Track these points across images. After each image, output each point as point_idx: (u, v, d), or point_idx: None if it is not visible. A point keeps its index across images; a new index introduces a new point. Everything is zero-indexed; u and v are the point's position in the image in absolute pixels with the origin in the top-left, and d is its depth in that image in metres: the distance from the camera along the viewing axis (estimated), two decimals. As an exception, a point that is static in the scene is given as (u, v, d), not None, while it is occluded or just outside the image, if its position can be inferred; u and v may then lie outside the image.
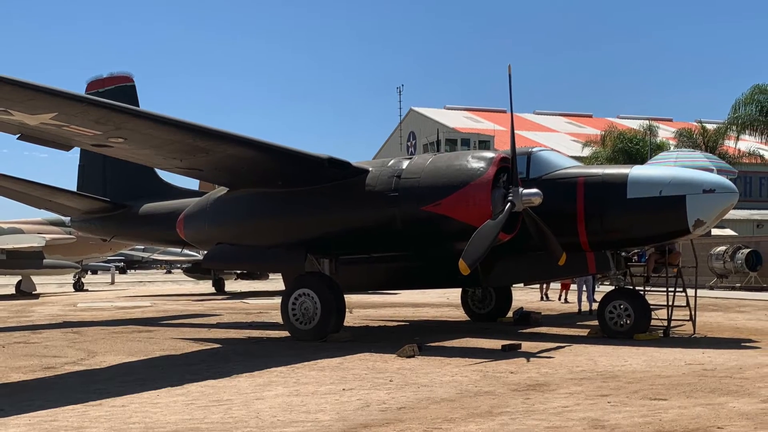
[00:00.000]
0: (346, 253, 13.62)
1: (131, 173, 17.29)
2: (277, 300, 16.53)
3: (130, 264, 65.23)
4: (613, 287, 13.54)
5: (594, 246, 12.45)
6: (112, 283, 42.42)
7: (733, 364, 9.69)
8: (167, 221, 15.81)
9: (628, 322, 12.53)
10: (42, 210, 19.94)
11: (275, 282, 33.11)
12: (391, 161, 12.99)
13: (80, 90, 16.82)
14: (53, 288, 35.51)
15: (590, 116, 67.33)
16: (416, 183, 12.16)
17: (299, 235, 13.22)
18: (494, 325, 15.44)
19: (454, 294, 19.35)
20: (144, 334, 14.39)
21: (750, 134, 40.18)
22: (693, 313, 13.56)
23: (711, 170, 13.72)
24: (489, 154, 12.24)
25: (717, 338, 12.85)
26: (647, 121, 46.37)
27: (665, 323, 13.25)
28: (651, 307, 12.98)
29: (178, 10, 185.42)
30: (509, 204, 11.49)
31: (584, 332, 13.48)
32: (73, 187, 18.73)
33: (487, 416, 6.73)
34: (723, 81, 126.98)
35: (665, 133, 48.79)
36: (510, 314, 16.34)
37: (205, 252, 15.52)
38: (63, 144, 12.10)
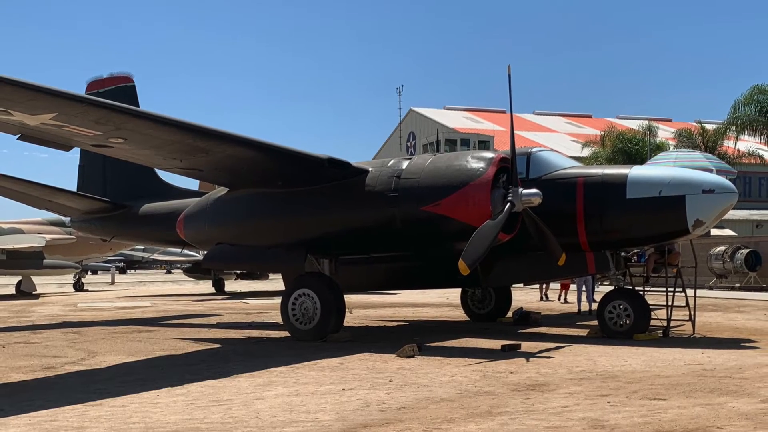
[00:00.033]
0: (346, 253, 13.63)
1: (131, 173, 17.30)
2: (277, 300, 16.54)
3: (130, 264, 65.25)
4: (612, 287, 13.55)
5: (593, 246, 12.47)
6: (112, 283, 42.43)
7: (732, 364, 9.70)
8: (167, 221, 15.82)
9: (628, 322, 12.54)
10: (42, 210, 19.96)
11: (275, 282, 33.12)
12: (391, 161, 13.00)
13: (80, 90, 16.82)
14: (53, 288, 35.51)
15: (590, 116, 67.35)
16: (416, 183, 12.17)
17: (299, 235, 13.22)
18: (494, 325, 15.45)
19: (454, 294, 19.37)
20: (144, 334, 14.40)
21: (749, 134, 40.19)
22: (692, 313, 13.57)
23: (710, 170, 13.71)
24: (488, 155, 12.25)
25: (716, 338, 12.86)
26: (647, 122, 46.38)
27: (665, 323, 13.26)
28: (650, 307, 12.99)
29: (178, 10, 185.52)
30: (509, 204, 11.50)
31: (584, 332, 13.49)
32: (73, 188, 18.74)
33: (486, 416, 6.74)
34: (722, 81, 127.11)
35: (665, 133, 48.80)
36: (510, 314, 16.35)
37: (205, 252, 15.52)
38: (63, 144, 12.11)
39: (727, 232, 38.08)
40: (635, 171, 12.39)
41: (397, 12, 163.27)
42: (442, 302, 22.38)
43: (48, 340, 13.45)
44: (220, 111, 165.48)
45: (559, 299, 23.15)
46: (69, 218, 20.46)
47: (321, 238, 13.11)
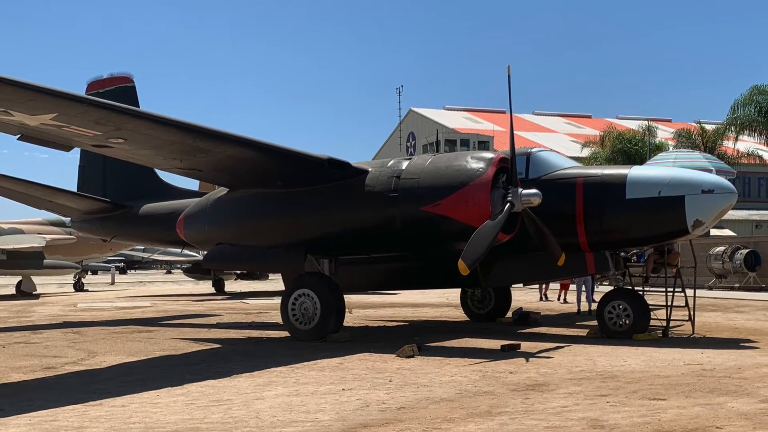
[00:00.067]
0: (346, 253, 13.63)
1: (131, 174, 17.31)
2: (277, 300, 16.55)
3: (130, 264, 65.30)
4: (612, 287, 13.56)
5: (593, 246, 12.48)
6: (112, 283, 42.44)
7: (731, 364, 9.71)
8: (167, 222, 15.83)
9: (627, 322, 12.55)
10: (42, 210, 19.97)
11: (275, 282, 33.14)
12: (391, 162, 13.01)
13: (80, 91, 16.83)
14: (53, 288, 35.52)
15: (589, 117, 67.38)
16: (416, 183, 12.17)
17: (299, 235, 13.23)
18: (493, 325, 15.46)
19: (454, 294, 19.38)
20: (144, 334, 14.40)
21: (749, 135, 40.25)
22: (692, 313, 13.57)
23: (710, 171, 13.73)
24: (488, 155, 12.25)
25: (716, 338, 12.87)
26: (646, 122, 46.44)
27: (664, 323, 13.27)
28: (650, 307, 13.00)
29: (178, 11, 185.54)
30: (508, 204, 11.51)
31: (583, 332, 13.50)
32: (74, 188, 18.75)
33: (486, 416, 6.75)
34: (722, 82, 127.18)
35: (664, 133, 48.83)
36: (509, 314, 16.35)
37: (205, 252, 15.53)
38: (63, 144, 12.11)
39: (727, 232, 38.09)
40: (635, 171, 12.40)
41: (397, 12, 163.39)
42: (441, 302, 22.39)
43: (48, 340, 13.46)
44: (220, 111, 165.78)
45: (558, 299, 23.16)
46: (69, 218, 20.47)
47: (321, 239, 13.12)
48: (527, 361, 10.06)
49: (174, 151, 12.36)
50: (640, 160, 35.25)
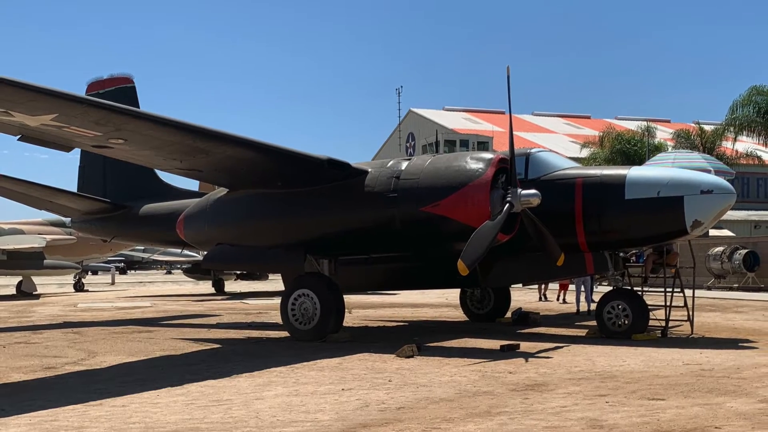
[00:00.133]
0: (346, 253, 13.65)
1: (131, 174, 17.32)
2: (277, 300, 16.56)
3: (131, 264, 65.31)
4: (611, 288, 13.58)
5: (592, 247, 12.49)
6: (113, 283, 42.44)
7: (730, 364, 9.72)
8: (167, 222, 15.84)
9: (626, 322, 12.56)
10: (42, 211, 19.98)
11: (275, 282, 33.14)
12: (390, 162, 13.02)
13: (80, 91, 16.84)
14: (54, 288, 35.53)
15: (588, 117, 67.41)
16: (415, 184, 12.19)
17: (299, 235, 13.25)
18: (493, 325, 15.47)
19: (453, 294, 19.39)
20: (144, 335, 14.42)
21: (747, 135, 40.31)
22: (691, 313, 13.59)
23: (708, 171, 13.78)
24: (487, 155, 12.27)
25: (715, 338, 12.89)
26: (645, 123, 46.50)
27: (663, 323, 13.29)
28: (649, 307, 13.02)
29: (178, 12, 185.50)
30: (508, 205, 11.52)
31: (582, 332, 13.51)
32: (74, 188, 18.77)
33: (485, 416, 6.77)
34: (721, 82, 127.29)
35: (663, 134, 48.86)
36: (508, 314, 16.36)
37: (205, 252, 15.54)
38: (63, 145, 12.13)
39: (726, 232, 38.11)
40: (634, 172, 12.42)
41: (397, 13, 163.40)
42: (441, 302, 22.41)
43: (48, 341, 13.48)
44: (220, 112, 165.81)
45: (557, 299, 23.18)
46: (69, 219, 20.48)
47: (320, 239, 13.14)
48: (526, 361, 10.08)
49: (174, 152, 12.38)
50: (639, 160, 35.28)
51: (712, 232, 31.90)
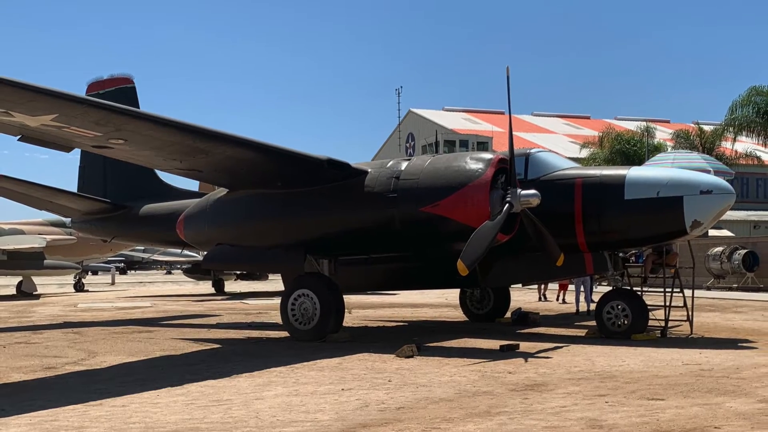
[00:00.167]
0: (345, 253, 13.66)
1: (131, 174, 17.34)
2: (277, 300, 16.57)
3: (131, 265, 65.33)
4: (610, 288, 13.59)
5: (592, 247, 12.50)
6: (113, 283, 42.44)
7: (730, 364, 9.74)
8: (167, 222, 15.85)
9: (626, 322, 12.57)
10: (43, 211, 19.99)
11: (275, 282, 33.15)
12: (390, 162, 13.03)
13: (81, 92, 16.85)
14: (54, 288, 35.53)
15: (588, 118, 67.44)
16: (415, 184, 12.20)
17: (298, 236, 13.26)
18: (492, 325, 15.48)
19: (453, 294, 19.40)
20: (144, 335, 14.43)
21: (747, 135, 40.33)
22: (690, 313, 13.61)
23: (708, 171, 13.79)
24: (487, 156, 12.28)
25: (714, 338, 12.90)
26: (644, 123, 46.53)
27: (663, 323, 13.30)
28: (648, 307, 13.03)
29: (178, 12, 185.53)
30: (507, 205, 11.53)
31: (582, 332, 13.52)
32: (74, 189, 18.78)
33: (485, 416, 6.78)
34: (720, 83, 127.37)
35: (662, 134, 48.90)
36: (508, 314, 16.37)
37: (205, 253, 15.56)
38: (63, 145, 12.13)
39: (725, 232, 38.15)
40: (633, 172, 12.44)
41: (396, 14, 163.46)
42: (440, 302, 22.42)
43: (49, 341, 13.49)
44: (220, 112, 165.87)
45: (557, 300, 23.19)
46: (69, 219, 20.50)
47: (320, 239, 13.15)
48: (526, 361, 10.09)
49: (174, 152, 12.39)
50: (639, 160, 35.29)
51: (712, 233, 31.93)
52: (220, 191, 14.57)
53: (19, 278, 29.99)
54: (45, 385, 8.85)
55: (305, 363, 10.09)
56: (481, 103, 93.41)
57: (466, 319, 16.64)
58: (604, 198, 12.18)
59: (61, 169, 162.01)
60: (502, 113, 55.77)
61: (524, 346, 11.39)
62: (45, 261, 29.21)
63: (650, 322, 12.95)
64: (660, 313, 13.55)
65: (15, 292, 29.57)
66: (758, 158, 43.16)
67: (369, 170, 12.87)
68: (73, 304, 24.44)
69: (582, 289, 19.22)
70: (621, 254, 13.34)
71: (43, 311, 21.15)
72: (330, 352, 11.05)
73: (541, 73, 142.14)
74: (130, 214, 17.41)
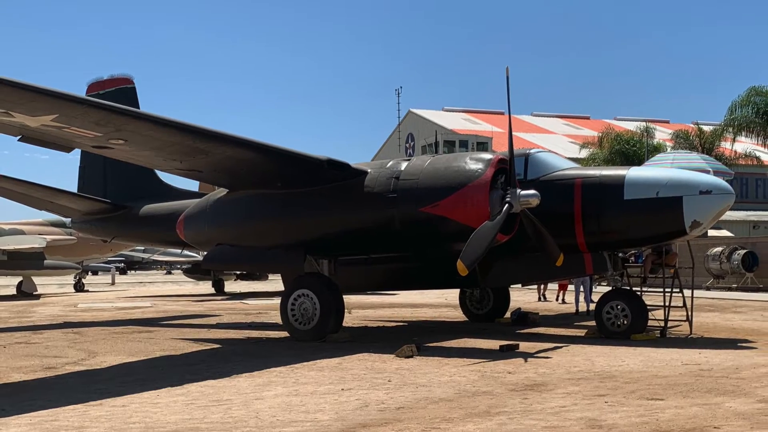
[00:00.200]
0: (345, 253, 13.67)
1: (131, 175, 17.35)
2: (277, 300, 16.58)
3: (131, 265, 65.35)
4: (610, 288, 13.60)
5: (591, 247, 12.51)
6: (113, 283, 42.46)
7: (729, 364, 9.75)
8: (167, 222, 15.86)
9: (625, 322, 12.58)
10: (43, 211, 20.00)
11: (274, 283, 33.16)
12: (390, 163, 13.04)
13: (81, 92, 16.87)
14: (54, 288, 35.54)
15: (587, 118, 67.44)
16: (414, 184, 12.21)
17: (298, 236, 13.27)
18: (492, 325, 15.49)
19: (452, 294, 19.41)
20: (144, 335, 14.44)
21: (746, 136, 40.32)
22: (690, 313, 13.62)
23: (707, 171, 13.79)
24: (487, 156, 12.29)
25: (714, 339, 12.91)
26: (644, 123, 46.55)
27: (662, 324, 13.31)
28: (648, 307, 13.04)
29: (178, 12, 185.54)
30: (507, 205, 11.54)
31: (581, 333, 13.53)
32: (74, 189, 18.79)
33: (485, 416, 6.79)
34: (719, 83, 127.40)
35: (662, 134, 48.90)
36: (508, 315, 16.38)
37: (205, 253, 15.57)
38: (64, 145, 12.14)
39: (724, 233, 38.17)
40: (633, 172, 12.45)
41: (396, 14, 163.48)
42: (440, 303, 22.43)
43: (49, 341, 13.50)
44: (220, 112, 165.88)
45: (556, 300, 23.20)
46: (69, 219, 20.51)
47: (320, 239, 13.16)
48: (526, 361, 10.10)
49: (174, 152, 12.40)
50: (638, 161, 35.30)
51: (711, 233, 31.94)
52: (220, 191, 14.58)
53: (20, 278, 30.01)
54: (45, 385, 8.86)
55: (305, 363, 10.10)
56: (480, 104, 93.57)
57: (466, 319, 16.64)
58: (604, 198, 12.19)
59: (61, 170, 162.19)
60: (502, 113, 55.80)
61: (524, 346, 11.40)
62: (45, 261, 29.22)
63: (650, 322, 12.96)
64: (659, 313, 13.56)
65: (15, 292, 29.59)
66: (757, 158, 43.17)
67: (369, 170, 12.88)
68: (73, 304, 24.45)
69: (581, 289, 19.23)
70: (620, 254, 13.35)
71: (44, 311, 21.16)
72: (330, 352, 11.06)
73: (540, 73, 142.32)
74: (130, 214, 17.42)
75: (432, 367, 9.63)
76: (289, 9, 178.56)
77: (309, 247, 13.26)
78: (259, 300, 25.43)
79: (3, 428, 6.48)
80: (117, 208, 17.68)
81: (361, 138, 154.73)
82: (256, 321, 17.42)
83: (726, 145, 41.88)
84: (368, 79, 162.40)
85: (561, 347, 11.46)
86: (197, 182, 17.91)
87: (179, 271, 57.42)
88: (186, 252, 29.16)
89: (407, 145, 54.18)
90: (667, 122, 62.44)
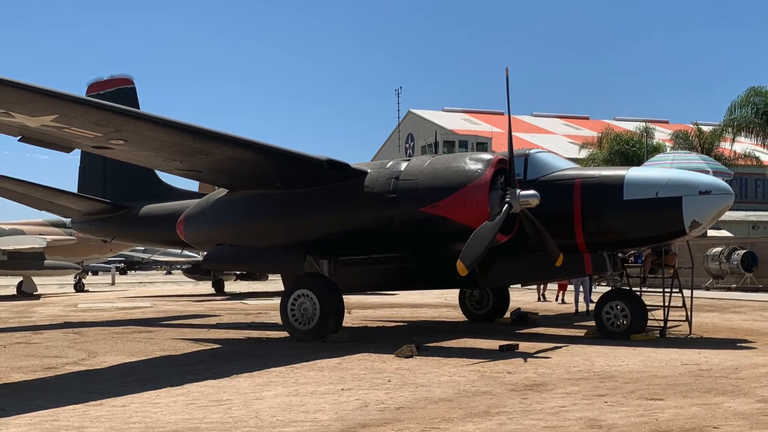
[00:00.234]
0: (345, 254, 13.67)
1: (131, 175, 17.36)
2: (276, 301, 16.59)
3: (131, 265, 65.36)
4: (609, 288, 13.61)
5: (591, 247, 12.52)
6: (113, 283, 42.46)
7: (729, 364, 9.76)
8: (167, 222, 15.87)
9: (625, 322, 12.59)
10: (43, 211, 20.01)
11: (274, 283, 33.17)
12: (390, 163, 13.05)
13: (81, 92, 16.89)
14: (54, 289, 35.55)
15: (587, 118, 67.48)
16: (414, 185, 12.22)
17: (298, 236, 13.28)
18: (492, 325, 15.50)
19: (452, 294, 19.42)
20: (144, 335, 14.44)
21: (745, 136, 40.31)
22: (689, 313, 13.63)
23: (707, 172, 13.80)
24: (486, 156, 12.30)
25: (713, 339, 12.92)
26: (644, 123, 46.56)
27: (662, 324, 13.32)
28: (647, 307, 13.05)
29: (178, 12, 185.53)
30: (507, 205, 11.55)
31: (581, 333, 13.54)
32: (74, 189, 18.80)
33: (484, 416, 6.79)
34: (719, 83, 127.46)
35: (661, 135, 48.89)
36: (507, 315, 16.39)
37: (205, 253, 15.58)
38: (64, 146, 12.15)
39: (724, 233, 38.18)
40: (632, 172, 12.46)
41: (396, 14, 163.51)
42: (440, 303, 22.43)
43: (49, 341, 13.50)
44: (220, 112, 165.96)
45: (556, 300, 23.20)
46: (70, 219, 20.52)
47: (320, 239, 13.17)
48: (525, 361, 10.10)
49: (174, 153, 12.41)
50: (638, 161, 35.31)
51: (711, 233, 31.95)
52: (220, 191, 14.59)
53: (20, 278, 30.01)
54: (45, 385, 8.87)
55: (305, 363, 10.10)
56: (480, 104, 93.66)
57: (466, 319, 16.65)
58: (603, 198, 12.20)
59: (61, 170, 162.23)
60: (502, 114, 55.83)
61: (523, 346, 11.41)
62: (45, 261, 29.23)
63: (649, 323, 12.97)
64: (659, 314, 13.57)
65: (15, 293, 29.60)
66: (757, 159, 43.17)
67: (368, 171, 12.89)
68: (73, 304, 24.46)
69: (581, 289, 19.24)
70: (620, 254, 13.37)
71: (44, 311, 21.17)
72: (330, 352, 11.06)
73: (540, 73, 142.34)
74: (130, 214, 17.43)
75: (432, 367, 9.63)
76: (289, 9, 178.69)
77: (309, 248, 13.27)
78: (259, 300, 25.44)
79: (3, 428, 6.49)
80: (117, 209, 17.70)
81: (361, 138, 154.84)
82: (256, 321, 17.43)
83: (725, 146, 41.90)
84: (368, 79, 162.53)
85: (560, 347, 11.47)
86: (197, 182, 17.92)
87: (179, 271, 57.46)
88: (186, 252, 29.19)
89: (407, 145, 54.20)
90: (667, 122, 62.46)
